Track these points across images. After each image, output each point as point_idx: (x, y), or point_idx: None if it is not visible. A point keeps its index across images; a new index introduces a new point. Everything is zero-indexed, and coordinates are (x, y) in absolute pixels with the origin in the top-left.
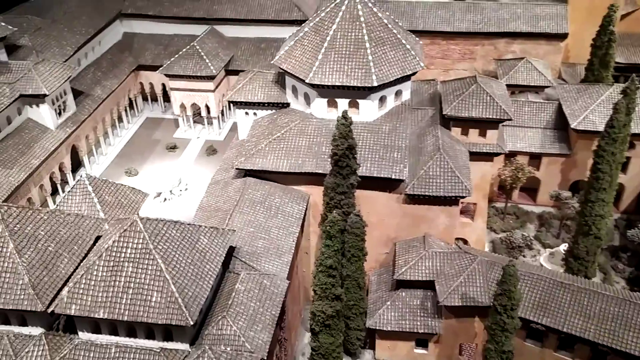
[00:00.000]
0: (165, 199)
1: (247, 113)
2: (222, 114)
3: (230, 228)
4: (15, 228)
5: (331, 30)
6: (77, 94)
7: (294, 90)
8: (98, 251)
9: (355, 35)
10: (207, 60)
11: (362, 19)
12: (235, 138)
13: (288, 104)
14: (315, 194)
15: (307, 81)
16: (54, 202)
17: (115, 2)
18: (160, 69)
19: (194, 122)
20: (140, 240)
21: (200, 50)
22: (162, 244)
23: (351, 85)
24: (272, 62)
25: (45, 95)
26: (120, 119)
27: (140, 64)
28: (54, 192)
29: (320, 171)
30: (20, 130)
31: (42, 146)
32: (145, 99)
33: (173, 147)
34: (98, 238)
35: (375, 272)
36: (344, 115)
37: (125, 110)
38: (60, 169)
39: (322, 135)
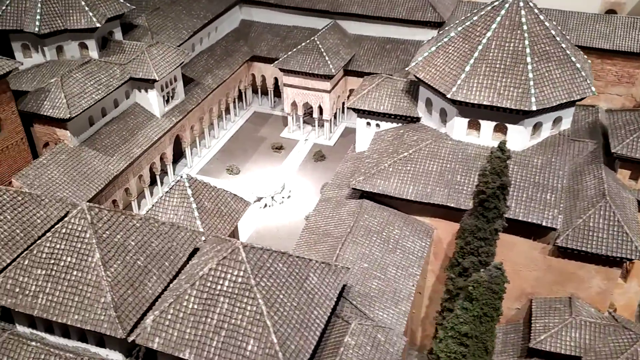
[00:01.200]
0: (265, 205)
1: (368, 123)
2: (334, 117)
3: (342, 263)
4: (104, 235)
5: (484, 38)
6: (187, 81)
7: (428, 104)
8: (191, 277)
9: (515, 46)
10: (327, 58)
11: (525, 27)
12: (351, 149)
13: (418, 119)
14: (442, 228)
15: (448, 96)
16: (151, 194)
17: None
18: (276, 62)
19: (304, 122)
20: (241, 273)
21: (320, 46)
22: (265, 280)
23: (503, 106)
24: (407, 68)
25: (155, 81)
26: (227, 111)
27: (254, 55)
28: (152, 183)
29: (452, 205)
30: (126, 115)
31: (145, 135)
32: (255, 91)
33: (279, 148)
34: (194, 252)
35: (500, 329)
36: (501, 147)
37: (234, 102)
38: (162, 159)
39: (457, 161)
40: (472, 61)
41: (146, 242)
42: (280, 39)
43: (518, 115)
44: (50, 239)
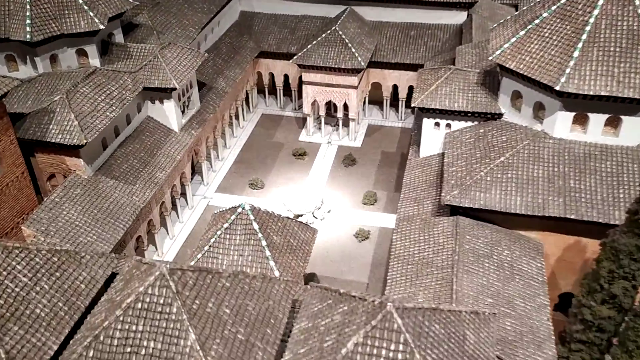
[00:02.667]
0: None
1: (437, 124)
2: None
3: (465, 301)
4: (194, 307)
5: (591, 17)
6: (198, 86)
7: (516, 97)
8: (324, 355)
9: (629, 25)
10: (353, 50)
11: (637, 1)
12: (412, 154)
13: (500, 115)
14: (550, 243)
15: (557, 87)
16: (170, 221)
17: None
18: (294, 58)
19: (325, 124)
20: (400, 347)
21: (343, 37)
22: (429, 352)
23: (624, 96)
24: (490, 57)
25: (173, 89)
26: (237, 117)
27: (262, 50)
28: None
29: (573, 216)
30: (140, 133)
31: (166, 154)
32: (260, 92)
33: (301, 155)
34: (294, 306)
35: None
36: None
37: (242, 106)
38: (180, 180)
39: (565, 163)
40: (580, 45)
41: (241, 306)
42: (289, 30)
43: (638, 106)
44: (122, 318)
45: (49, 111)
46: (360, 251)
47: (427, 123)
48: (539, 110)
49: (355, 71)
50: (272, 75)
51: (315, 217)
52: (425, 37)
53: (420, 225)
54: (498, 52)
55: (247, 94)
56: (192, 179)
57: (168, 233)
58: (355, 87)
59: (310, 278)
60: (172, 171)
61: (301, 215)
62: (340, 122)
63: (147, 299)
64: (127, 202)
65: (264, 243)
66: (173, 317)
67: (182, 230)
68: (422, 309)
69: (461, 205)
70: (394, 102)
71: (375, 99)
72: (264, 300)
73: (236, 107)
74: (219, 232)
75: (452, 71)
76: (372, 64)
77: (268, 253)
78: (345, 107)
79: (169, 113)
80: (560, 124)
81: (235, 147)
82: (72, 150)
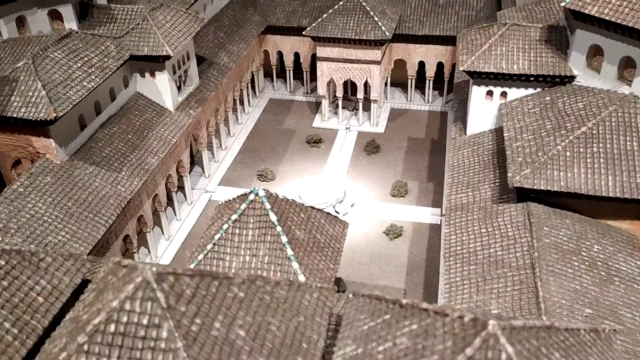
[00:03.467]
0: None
1: (489, 92)
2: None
3: (558, 310)
4: (194, 328)
5: None
6: (197, 60)
7: (594, 54)
8: None
9: None
10: (376, 18)
11: None
12: (456, 132)
13: (572, 78)
14: None
15: None
16: (166, 218)
17: None
18: (308, 29)
19: (343, 108)
20: None
21: (364, 4)
22: None
23: None
24: (563, 4)
25: (167, 58)
26: (241, 100)
27: (269, 25)
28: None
29: None
30: (126, 111)
31: (160, 136)
32: (267, 75)
33: (317, 142)
34: (334, 322)
35: None
36: None
37: (247, 89)
38: (177, 170)
39: None
40: None
41: (261, 326)
42: (299, 2)
43: None
44: (87, 348)
45: (10, 80)
46: (393, 251)
47: (478, 92)
48: (627, 69)
49: (378, 43)
50: (280, 55)
51: (337, 212)
52: (457, 5)
53: (479, 214)
54: None
55: (252, 75)
56: (191, 170)
57: (163, 233)
58: (379, 63)
59: (335, 284)
60: (166, 157)
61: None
62: (360, 105)
63: (124, 319)
64: (111, 193)
65: (284, 239)
66: (162, 345)
67: (180, 230)
68: (534, 328)
69: (535, 187)
70: (419, 84)
71: (397, 80)
72: (291, 316)
73: (240, 90)
74: (225, 226)
75: (508, 27)
76: (395, 38)
77: (290, 252)
78: (366, 88)
79: (162, 88)
80: None
81: (241, 134)
82: (40, 129)
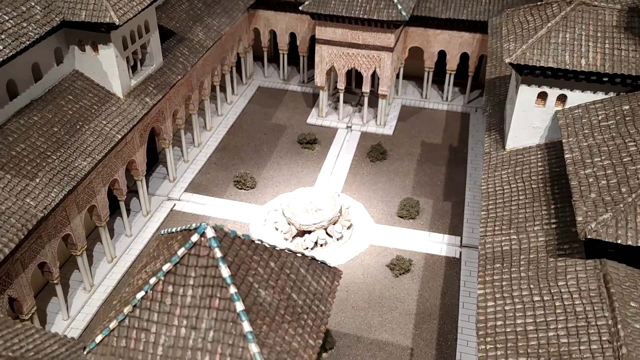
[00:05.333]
0: (316, 244)
1: (543, 95)
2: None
3: None
4: None
5: None
6: (164, 35)
7: None
8: None
9: None
10: None
11: None
12: (492, 144)
13: None
14: None
15: None
16: (107, 236)
17: None
18: (305, 3)
19: (345, 102)
20: None
21: None
22: None
23: None
24: None
25: (113, 27)
26: (222, 88)
27: None
28: (111, 214)
29: None
30: (57, 95)
31: (99, 131)
32: (258, 58)
33: (310, 142)
34: None
35: None
36: None
37: (231, 73)
38: (128, 172)
39: None
40: None
41: None
42: None
43: None
44: None
45: None
46: (398, 292)
47: (527, 93)
48: None
49: (392, 25)
50: (273, 35)
51: (330, 236)
52: None
53: (528, 272)
54: None
55: (238, 57)
56: (154, 170)
57: (106, 254)
58: (391, 50)
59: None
60: (108, 159)
61: (309, 232)
62: (366, 100)
63: None
64: (14, 209)
65: (239, 307)
66: None
67: (130, 249)
68: None
69: (620, 242)
70: (437, 78)
71: (411, 72)
72: None
73: (222, 74)
74: (153, 280)
75: (573, 6)
76: (412, 21)
77: (247, 327)
78: (373, 80)
79: (107, 67)
80: None
81: (220, 128)
82: None
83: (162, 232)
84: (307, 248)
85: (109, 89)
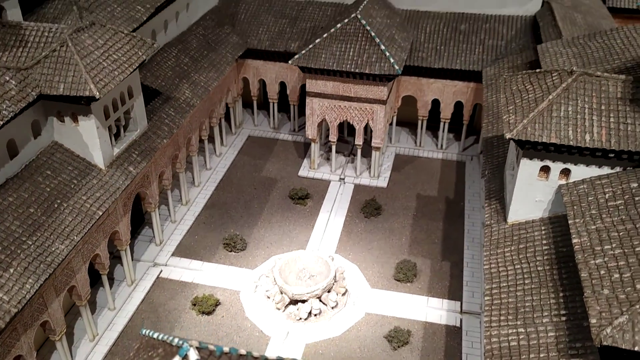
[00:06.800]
0: (310, 314)
1: (545, 168)
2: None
3: None
4: None
5: None
6: (148, 96)
7: None
8: None
9: None
10: (383, 47)
11: None
12: (492, 215)
13: None
14: None
15: None
16: (87, 312)
17: None
18: (296, 57)
19: (337, 152)
20: None
21: (368, 28)
22: None
23: None
24: None
25: (92, 100)
26: (211, 138)
27: (249, 48)
28: (93, 284)
29: None
30: (34, 171)
31: (79, 208)
32: (247, 106)
33: (302, 197)
34: None
35: None
36: None
37: (220, 125)
38: (112, 242)
39: None
40: None
41: None
42: (288, 21)
43: None
44: None
45: None
46: None
47: (528, 167)
48: None
49: (385, 79)
50: (262, 84)
51: (324, 304)
52: (482, 32)
53: None
54: None
55: (227, 108)
56: (139, 232)
57: (87, 333)
58: (384, 103)
59: None
60: (89, 234)
61: (302, 302)
62: (359, 152)
63: None
64: None
65: None
66: None
67: (113, 324)
68: None
69: (636, 349)
70: (431, 123)
71: (404, 119)
72: None
73: (210, 127)
74: None
75: (575, 77)
76: (405, 70)
77: None
78: (366, 130)
79: (88, 138)
80: None
81: (209, 183)
82: None
83: (143, 331)
84: (300, 319)
85: (90, 160)
